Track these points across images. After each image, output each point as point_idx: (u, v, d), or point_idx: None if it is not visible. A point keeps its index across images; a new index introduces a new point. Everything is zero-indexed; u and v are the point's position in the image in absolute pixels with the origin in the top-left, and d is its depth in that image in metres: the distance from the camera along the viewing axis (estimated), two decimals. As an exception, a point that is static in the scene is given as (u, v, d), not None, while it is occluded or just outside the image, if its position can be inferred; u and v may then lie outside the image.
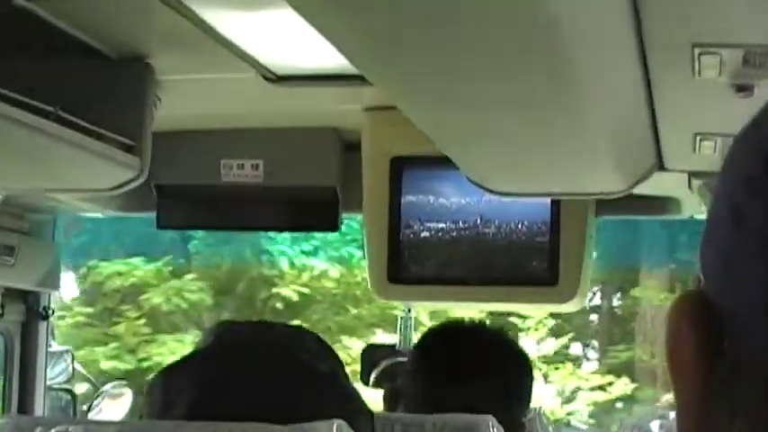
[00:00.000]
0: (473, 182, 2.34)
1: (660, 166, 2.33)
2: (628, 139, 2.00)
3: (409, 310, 3.31)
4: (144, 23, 2.16)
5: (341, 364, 1.55)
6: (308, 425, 1.21)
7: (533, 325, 10.88)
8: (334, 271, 10.38)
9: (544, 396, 10.54)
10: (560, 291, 2.81)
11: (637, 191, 2.45)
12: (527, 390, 2.32)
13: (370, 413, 1.51)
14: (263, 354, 1.45)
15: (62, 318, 9.33)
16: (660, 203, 2.91)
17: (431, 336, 2.39)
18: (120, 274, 10.50)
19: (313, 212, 3.04)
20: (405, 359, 2.76)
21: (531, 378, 2.36)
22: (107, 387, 4.03)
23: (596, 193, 2.42)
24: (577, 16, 1.37)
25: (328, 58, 2.25)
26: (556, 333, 11.15)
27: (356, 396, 1.49)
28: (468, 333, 2.32)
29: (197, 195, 3.10)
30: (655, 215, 3.04)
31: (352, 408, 1.44)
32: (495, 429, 1.63)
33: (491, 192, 2.37)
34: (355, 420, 1.38)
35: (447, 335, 2.35)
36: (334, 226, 3.05)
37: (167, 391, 1.44)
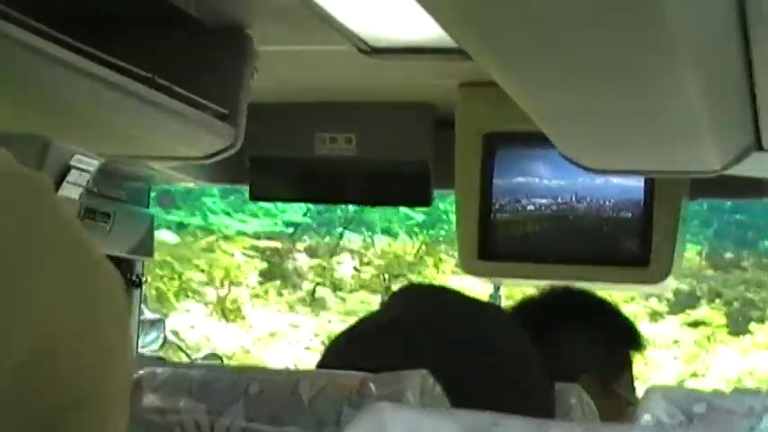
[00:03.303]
0: (567, 158, 2.33)
1: (758, 146, 2.29)
2: (726, 116, 1.97)
3: (497, 288, 3.31)
4: (243, -7, 2.17)
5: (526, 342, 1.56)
6: (395, 373, 1.22)
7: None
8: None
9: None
10: (652, 271, 2.78)
11: (733, 172, 2.41)
12: (621, 356, 2.30)
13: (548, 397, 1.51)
14: (447, 332, 1.46)
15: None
16: (757, 186, 2.86)
17: (529, 299, 2.40)
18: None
19: (405, 187, 3.05)
20: None
21: (626, 344, 2.34)
22: (199, 356, 4.07)
23: (691, 171, 2.39)
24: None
25: (424, 30, 2.25)
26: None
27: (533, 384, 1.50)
28: (563, 296, 2.34)
29: (290, 168, 3.12)
30: (751, 198, 3.00)
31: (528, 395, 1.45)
32: (583, 398, 1.61)
33: (585, 168, 2.35)
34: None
35: (541, 297, 2.36)
36: (426, 201, 3.05)
37: (343, 357, 1.45)
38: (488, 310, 1.66)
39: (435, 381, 1.19)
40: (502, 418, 0.55)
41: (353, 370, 1.31)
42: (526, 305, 2.39)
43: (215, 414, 1.23)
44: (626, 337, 2.36)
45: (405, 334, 1.45)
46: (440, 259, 11.65)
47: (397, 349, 1.42)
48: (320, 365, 1.51)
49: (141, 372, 1.27)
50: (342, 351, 1.52)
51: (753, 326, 11.46)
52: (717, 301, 11.56)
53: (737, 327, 11.47)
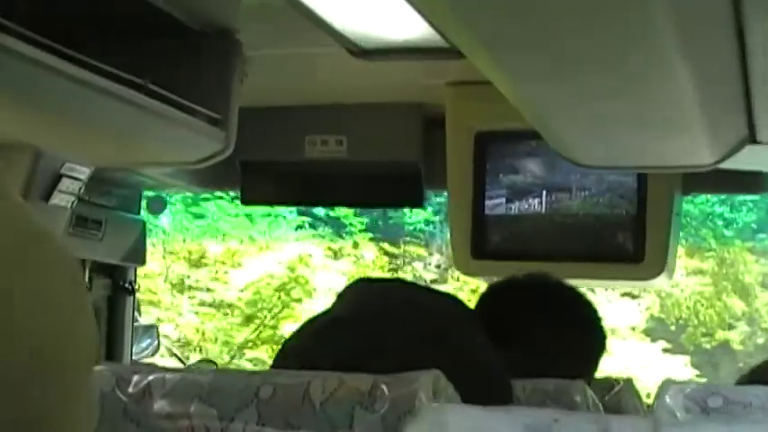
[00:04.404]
0: (560, 155, 2.32)
1: (752, 138, 2.28)
2: (719, 108, 1.96)
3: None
4: (232, -2, 2.17)
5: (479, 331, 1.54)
6: (407, 374, 1.21)
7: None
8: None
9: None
10: (647, 267, 2.78)
11: (726, 166, 2.40)
12: (592, 348, 2.10)
13: (503, 383, 1.49)
14: (407, 324, 1.45)
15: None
16: (751, 180, 2.85)
17: (485, 294, 2.13)
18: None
19: (397, 188, 3.04)
20: None
21: (596, 335, 2.12)
22: (193, 362, 4.05)
23: (684, 166, 2.39)
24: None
25: (413, 30, 2.24)
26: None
27: (488, 368, 1.48)
28: (523, 287, 2.11)
29: (281, 171, 3.11)
30: (745, 192, 2.99)
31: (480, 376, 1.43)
32: (588, 395, 1.61)
33: (578, 165, 2.35)
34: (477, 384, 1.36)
35: (498, 290, 2.11)
36: (418, 202, 3.05)
37: (307, 358, 1.44)
38: (444, 299, 1.65)
39: (447, 381, 1.18)
40: (562, 414, 0.55)
41: (313, 367, 1.31)
42: (494, 297, 2.11)
43: (226, 419, 1.23)
44: (598, 335, 2.14)
45: (363, 325, 1.45)
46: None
47: (355, 342, 1.42)
48: (277, 364, 1.51)
49: (150, 377, 1.26)
50: (300, 348, 1.51)
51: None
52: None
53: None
